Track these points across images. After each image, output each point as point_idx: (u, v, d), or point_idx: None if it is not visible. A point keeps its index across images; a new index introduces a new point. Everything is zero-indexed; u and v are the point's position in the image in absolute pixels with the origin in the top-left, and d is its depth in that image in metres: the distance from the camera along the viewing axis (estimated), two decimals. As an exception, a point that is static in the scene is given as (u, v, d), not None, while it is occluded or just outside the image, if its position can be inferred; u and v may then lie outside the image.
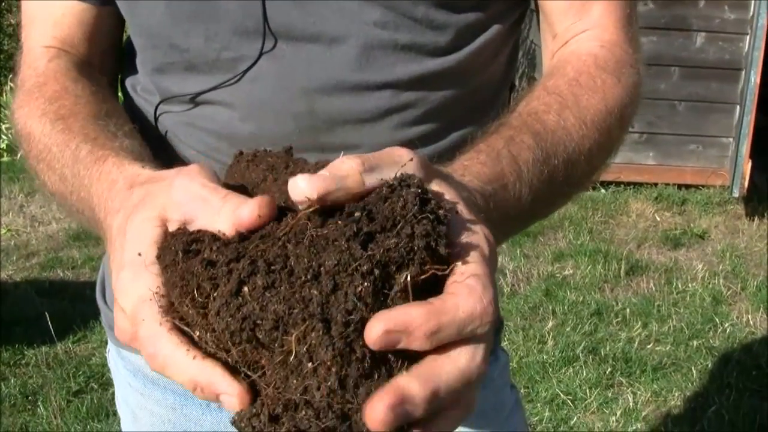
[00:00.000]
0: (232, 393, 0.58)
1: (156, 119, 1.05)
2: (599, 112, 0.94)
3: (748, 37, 5.69)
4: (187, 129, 1.03)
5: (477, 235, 0.62)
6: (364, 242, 0.56)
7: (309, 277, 0.55)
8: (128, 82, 1.10)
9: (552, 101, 0.93)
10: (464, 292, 0.58)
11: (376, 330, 0.54)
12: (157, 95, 1.03)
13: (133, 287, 0.63)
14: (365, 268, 0.55)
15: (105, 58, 1.09)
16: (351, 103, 0.97)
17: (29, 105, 0.98)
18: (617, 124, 0.97)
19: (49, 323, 3.68)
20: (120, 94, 1.14)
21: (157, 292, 0.61)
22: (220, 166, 1.01)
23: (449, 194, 0.65)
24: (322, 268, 0.55)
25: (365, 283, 0.55)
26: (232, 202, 0.63)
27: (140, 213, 0.67)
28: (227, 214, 0.62)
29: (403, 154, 0.65)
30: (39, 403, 3.33)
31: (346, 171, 0.60)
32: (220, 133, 1.01)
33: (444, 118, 1.02)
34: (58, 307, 3.96)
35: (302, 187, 0.58)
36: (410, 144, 1.00)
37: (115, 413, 3.20)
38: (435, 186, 0.65)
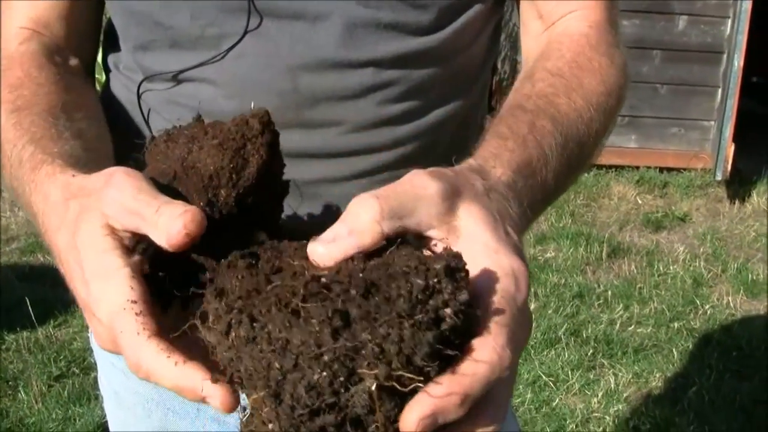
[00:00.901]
0: (215, 397, 0.58)
1: (138, 97, 1.04)
2: (601, 94, 0.95)
3: (729, 21, 5.70)
4: (170, 107, 1.02)
5: (499, 272, 0.62)
6: (339, 328, 0.54)
7: (278, 347, 0.54)
8: (110, 60, 1.09)
9: (558, 83, 0.93)
10: (480, 347, 0.57)
11: (412, 422, 0.54)
12: (140, 73, 1.03)
13: (105, 298, 0.63)
14: (326, 358, 0.53)
15: (82, 39, 1.08)
16: (334, 80, 0.97)
17: None
18: (615, 104, 0.98)
19: (30, 308, 3.66)
20: (99, 76, 1.13)
21: (130, 300, 0.62)
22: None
23: (479, 214, 0.65)
24: (289, 344, 0.54)
25: (323, 373, 0.53)
26: (165, 216, 0.63)
27: (84, 226, 0.67)
28: (162, 232, 0.63)
29: (426, 186, 0.65)
30: (20, 388, 3.31)
31: (364, 225, 0.61)
32: (203, 110, 1.00)
33: (426, 96, 1.02)
34: (38, 292, 3.94)
35: (322, 255, 0.60)
36: (394, 120, 1.00)
37: (96, 397, 3.20)
38: (464, 208, 0.65)
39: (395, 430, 0.55)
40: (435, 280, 0.56)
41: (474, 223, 0.65)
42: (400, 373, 0.53)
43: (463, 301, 0.56)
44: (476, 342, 0.58)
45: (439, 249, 0.64)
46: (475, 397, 0.56)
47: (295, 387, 0.54)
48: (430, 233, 0.65)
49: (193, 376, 0.59)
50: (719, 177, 5.48)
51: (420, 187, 0.65)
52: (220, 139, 0.73)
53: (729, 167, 5.50)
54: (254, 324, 0.56)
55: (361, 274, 0.57)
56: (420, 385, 0.54)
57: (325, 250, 0.60)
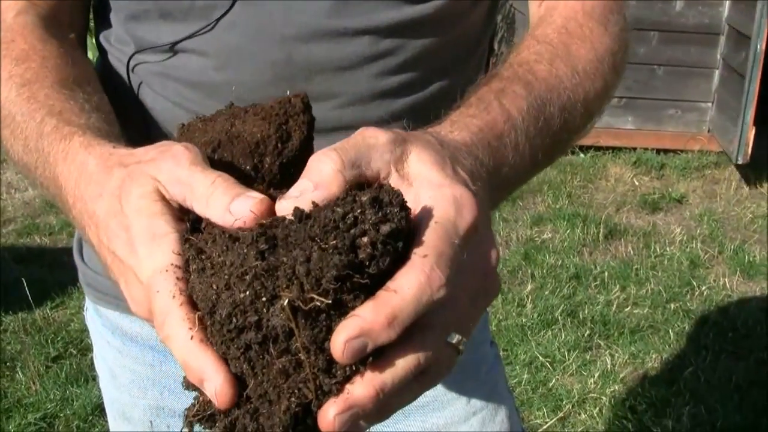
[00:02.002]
0: (212, 382, 0.58)
1: (131, 70, 1.03)
2: (590, 61, 0.94)
3: (727, 2, 5.68)
4: (162, 79, 1.01)
5: (440, 201, 0.62)
6: (264, 251, 0.56)
7: (216, 270, 0.58)
8: (102, 34, 1.08)
9: (542, 50, 0.92)
10: (405, 270, 0.57)
11: (338, 344, 0.54)
12: (132, 45, 1.02)
13: (150, 259, 0.63)
14: (248, 277, 0.56)
15: (74, 12, 1.06)
16: (329, 50, 0.96)
17: None
18: (609, 70, 0.96)
19: (27, 289, 3.66)
20: (91, 53, 1.12)
21: (174, 263, 0.62)
22: (194, 117, 1.00)
23: (428, 158, 0.65)
24: (223, 266, 0.58)
25: (246, 292, 0.55)
26: (220, 189, 0.63)
27: (135, 191, 0.67)
28: (217, 206, 0.62)
29: (377, 136, 0.65)
30: (17, 369, 3.32)
31: (328, 177, 0.61)
32: (194, 82, 0.99)
33: (424, 67, 1.01)
34: (35, 274, 3.94)
35: (290, 209, 0.59)
36: (390, 93, 0.99)
37: (94, 378, 3.20)
38: (414, 153, 0.65)
39: (325, 360, 0.56)
40: (359, 210, 0.57)
41: (422, 165, 0.65)
42: (311, 295, 0.54)
43: (385, 233, 0.56)
44: (404, 266, 0.58)
45: None
46: (404, 319, 0.56)
47: (224, 303, 0.56)
48: (387, 181, 0.65)
49: (202, 356, 0.58)
50: (740, 161, 5.42)
51: (371, 137, 0.65)
52: (263, 114, 0.74)
53: (749, 151, 5.44)
54: (201, 254, 0.59)
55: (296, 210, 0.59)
56: (331, 312, 0.56)
57: (294, 205, 0.59)
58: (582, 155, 5.74)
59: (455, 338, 0.61)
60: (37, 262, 4.14)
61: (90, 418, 3.04)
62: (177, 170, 0.66)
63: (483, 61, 1.15)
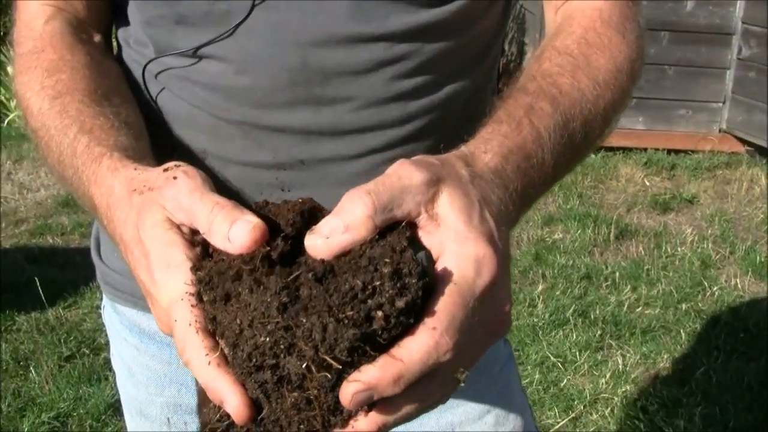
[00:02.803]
0: (232, 404, 0.63)
1: (150, 73, 1.04)
2: (609, 71, 0.95)
3: (738, 2, 5.67)
4: (181, 83, 1.02)
5: (461, 260, 0.66)
6: (286, 303, 0.60)
7: (241, 306, 0.63)
8: (120, 34, 1.09)
9: (564, 62, 0.93)
10: (416, 336, 0.62)
11: (347, 395, 0.60)
12: (151, 48, 1.03)
13: (166, 287, 0.68)
14: (269, 327, 0.60)
15: (100, 12, 1.08)
16: (344, 56, 0.97)
17: (28, 74, 0.97)
18: (627, 80, 0.97)
19: (39, 289, 3.68)
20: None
21: (188, 292, 0.66)
22: (212, 120, 1.01)
23: (458, 203, 0.68)
24: (248, 306, 0.62)
25: (266, 338, 0.61)
26: (220, 216, 0.68)
27: (149, 220, 0.72)
28: (218, 234, 0.67)
29: (411, 176, 0.68)
30: (31, 368, 3.34)
31: (358, 221, 0.64)
32: (214, 86, 1.00)
33: (438, 70, 1.02)
34: (48, 274, 3.96)
35: (320, 249, 0.64)
36: (406, 95, 1.00)
37: (107, 377, 3.22)
38: (446, 195, 0.68)
39: (334, 398, 0.62)
40: (378, 282, 0.61)
41: (450, 210, 0.68)
42: (324, 357, 0.59)
43: (400, 308, 0.61)
44: (416, 330, 0.62)
45: (424, 236, 0.68)
46: (410, 378, 0.61)
47: (246, 342, 0.61)
48: (417, 220, 0.68)
49: (220, 381, 0.63)
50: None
51: (406, 177, 0.68)
52: None
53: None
54: (214, 283, 0.64)
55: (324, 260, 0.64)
56: (341, 369, 0.61)
57: (324, 245, 0.64)
58: (593, 155, 5.74)
59: (461, 375, 0.66)
60: (50, 262, 4.16)
61: (103, 417, 3.05)
62: (179, 198, 0.71)
63: (496, 62, 1.15)
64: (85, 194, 0.86)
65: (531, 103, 0.86)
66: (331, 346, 0.59)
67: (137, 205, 0.74)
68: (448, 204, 0.68)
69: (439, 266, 0.65)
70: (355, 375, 0.61)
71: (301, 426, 0.63)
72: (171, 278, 0.68)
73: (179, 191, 0.71)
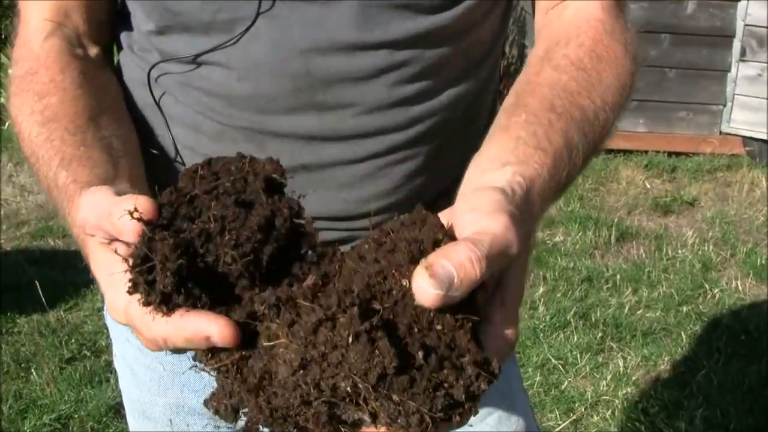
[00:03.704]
0: (216, 329, 0.63)
1: (153, 78, 1.05)
2: (616, 91, 0.96)
3: (739, 4, 5.68)
4: (184, 89, 1.03)
5: (504, 344, 0.68)
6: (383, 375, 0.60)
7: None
8: (124, 39, 1.09)
9: (580, 78, 0.93)
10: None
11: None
12: (154, 53, 1.03)
13: (115, 302, 0.70)
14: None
15: (101, 26, 1.08)
16: (347, 63, 0.97)
17: (21, 96, 0.99)
18: (627, 96, 0.99)
19: (40, 291, 3.68)
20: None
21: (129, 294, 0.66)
22: (217, 126, 1.02)
23: (517, 286, 0.72)
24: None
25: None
26: (107, 207, 0.69)
27: (92, 256, 0.77)
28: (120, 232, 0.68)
29: (515, 246, 0.68)
30: (32, 370, 3.34)
31: (470, 284, 0.63)
32: (217, 93, 1.01)
33: (439, 75, 1.02)
34: (49, 276, 3.96)
35: (431, 300, 0.62)
36: (408, 101, 1.01)
37: (108, 379, 3.22)
38: (511, 275, 0.71)
39: None
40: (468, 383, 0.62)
41: (510, 294, 0.71)
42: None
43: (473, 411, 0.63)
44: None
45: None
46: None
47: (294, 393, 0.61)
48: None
49: (197, 319, 0.64)
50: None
51: (512, 248, 0.68)
52: None
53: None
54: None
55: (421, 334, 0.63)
56: None
57: (436, 299, 0.62)
58: (593, 158, 5.74)
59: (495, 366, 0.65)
60: (51, 264, 4.16)
61: (104, 419, 3.05)
62: (87, 217, 0.74)
63: (498, 65, 1.15)
64: (70, 224, 0.88)
65: (566, 131, 0.87)
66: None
67: (86, 245, 0.79)
68: (509, 285, 0.71)
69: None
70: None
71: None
72: (116, 293, 0.69)
73: (85, 210, 0.74)
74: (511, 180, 0.77)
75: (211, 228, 0.65)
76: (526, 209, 0.75)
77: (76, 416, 3.08)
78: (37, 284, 3.70)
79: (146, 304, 0.64)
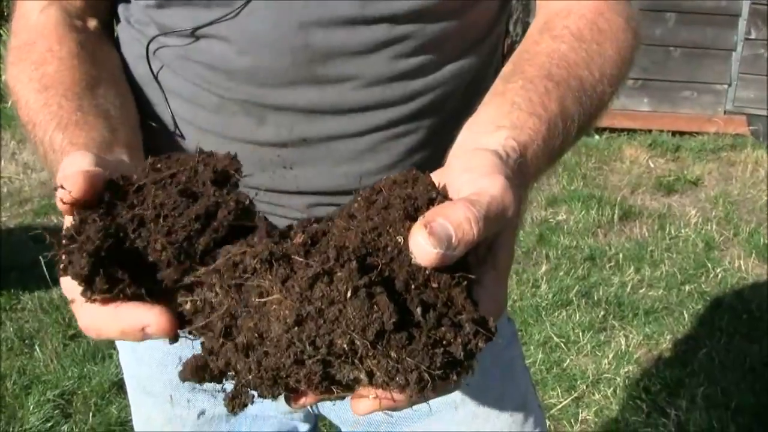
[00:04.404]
0: (153, 316, 0.63)
1: (152, 52, 1.05)
2: (616, 65, 0.96)
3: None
4: (183, 62, 1.03)
5: (492, 306, 0.68)
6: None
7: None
8: (122, 12, 1.09)
9: (579, 49, 0.93)
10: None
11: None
12: (152, 27, 1.03)
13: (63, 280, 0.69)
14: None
15: (100, 1, 1.08)
16: (347, 37, 0.97)
17: (18, 66, 0.99)
18: (626, 71, 0.99)
19: (44, 269, 3.69)
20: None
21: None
22: (216, 99, 1.01)
23: (507, 253, 0.72)
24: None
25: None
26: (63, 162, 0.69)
27: None
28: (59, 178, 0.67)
29: (509, 209, 0.68)
30: (36, 346, 3.35)
31: (467, 246, 0.63)
32: (216, 66, 1.00)
33: (439, 50, 1.02)
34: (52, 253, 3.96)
35: (429, 259, 0.61)
36: (408, 75, 1.00)
37: (111, 356, 3.23)
38: (504, 239, 0.71)
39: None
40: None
41: (502, 257, 0.71)
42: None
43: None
44: None
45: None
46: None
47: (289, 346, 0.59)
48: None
49: (133, 309, 0.63)
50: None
51: (506, 210, 0.68)
52: None
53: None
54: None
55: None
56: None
57: (435, 258, 0.62)
58: (597, 137, 5.73)
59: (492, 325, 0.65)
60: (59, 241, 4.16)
61: (107, 395, 3.07)
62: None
63: (500, 42, 1.15)
64: None
65: (562, 100, 0.87)
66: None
67: None
68: (501, 249, 0.71)
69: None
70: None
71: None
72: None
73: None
74: (504, 144, 0.77)
75: (146, 215, 0.64)
76: (520, 174, 0.75)
77: (79, 392, 3.10)
78: (41, 261, 3.71)
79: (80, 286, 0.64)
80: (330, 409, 1.20)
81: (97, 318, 0.65)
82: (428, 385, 0.60)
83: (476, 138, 0.78)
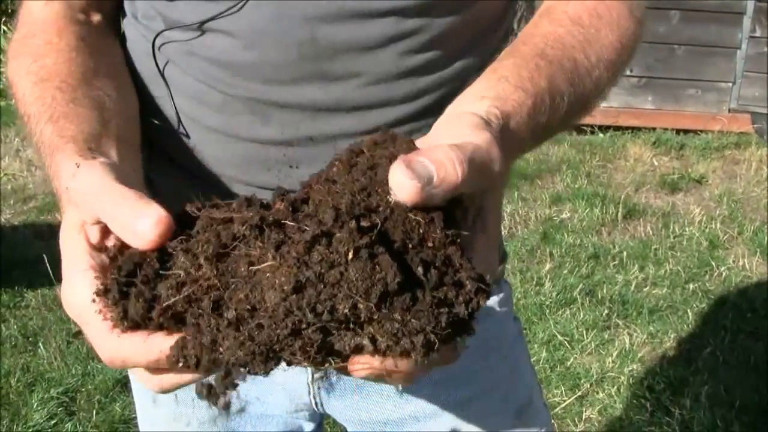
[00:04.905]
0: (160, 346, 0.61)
1: (157, 47, 1.04)
2: (614, 50, 0.96)
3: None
4: (188, 58, 1.02)
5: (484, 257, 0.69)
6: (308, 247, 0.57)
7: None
8: (128, 7, 1.08)
9: (576, 33, 0.93)
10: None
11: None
12: (158, 20, 1.02)
13: (72, 297, 0.67)
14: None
15: None
16: (354, 31, 0.96)
17: (18, 59, 0.98)
18: (626, 58, 0.99)
19: (48, 266, 3.69)
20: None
21: (91, 300, 0.65)
22: (220, 96, 1.01)
23: (493, 212, 0.72)
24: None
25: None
26: (124, 208, 0.66)
27: (64, 224, 0.72)
28: (123, 227, 0.65)
29: (497, 162, 0.69)
30: (39, 344, 3.35)
31: (451, 184, 0.63)
32: (222, 61, 1.00)
33: (447, 46, 1.01)
34: (56, 250, 3.93)
35: (409, 194, 0.61)
36: (415, 71, 1.00)
37: (115, 354, 3.23)
38: (491, 196, 0.71)
39: None
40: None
41: (491, 221, 0.71)
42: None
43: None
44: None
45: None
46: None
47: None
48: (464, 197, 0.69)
49: (162, 341, 0.62)
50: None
51: (495, 162, 0.69)
52: None
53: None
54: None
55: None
56: None
57: (415, 193, 0.61)
58: (601, 135, 5.72)
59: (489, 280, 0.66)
60: (58, 239, 4.15)
61: (111, 393, 3.07)
62: (83, 194, 0.70)
63: (506, 39, 1.14)
64: (55, 185, 0.87)
65: (552, 77, 0.87)
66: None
67: (65, 204, 0.75)
68: (489, 211, 0.71)
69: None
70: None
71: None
72: (75, 288, 0.67)
73: (83, 186, 0.71)
74: (487, 111, 0.77)
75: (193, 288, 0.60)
76: (503, 139, 0.75)
77: (83, 390, 3.10)
78: (45, 258, 3.71)
79: (106, 313, 0.62)
80: (335, 409, 1.19)
81: (126, 349, 0.63)
82: (434, 347, 0.57)
83: (460, 106, 0.79)
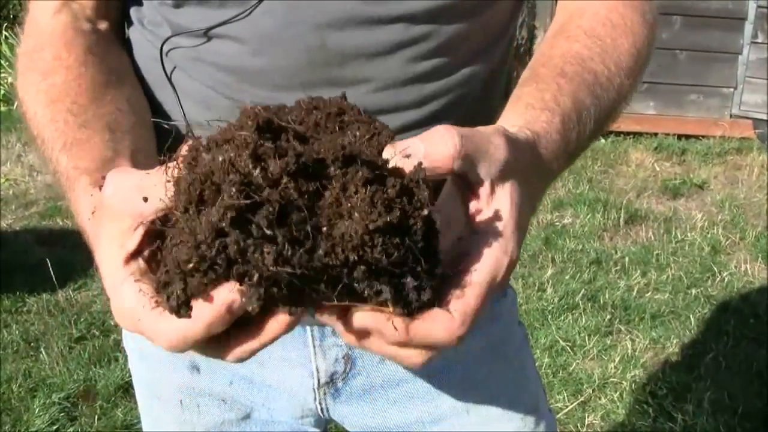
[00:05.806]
0: (237, 293, 0.62)
1: (164, 53, 1.04)
2: (631, 57, 0.97)
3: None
4: (196, 64, 1.02)
5: (491, 261, 0.69)
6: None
7: None
8: (134, 13, 1.08)
9: (593, 46, 0.95)
10: (438, 318, 0.65)
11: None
12: (165, 27, 1.02)
13: (120, 310, 0.68)
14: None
15: (110, 2, 1.07)
16: (363, 37, 0.96)
17: (27, 75, 0.99)
18: (643, 64, 1.00)
19: (50, 271, 3.69)
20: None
21: (140, 305, 0.66)
22: (228, 102, 1.01)
23: (515, 198, 0.72)
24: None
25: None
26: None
27: (101, 242, 0.72)
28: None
29: (499, 148, 0.70)
30: (41, 349, 3.35)
31: (441, 157, 0.66)
32: (230, 67, 1.00)
33: (455, 52, 1.01)
34: (58, 256, 3.97)
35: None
36: (423, 78, 1.00)
37: (117, 359, 3.23)
38: (509, 185, 0.72)
39: None
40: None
41: (507, 204, 0.71)
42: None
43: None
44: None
45: (473, 203, 0.71)
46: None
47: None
48: (478, 188, 0.71)
49: (219, 293, 0.62)
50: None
51: (496, 146, 0.70)
52: None
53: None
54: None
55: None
56: None
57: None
58: (603, 140, 5.72)
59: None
60: (60, 244, 4.17)
61: (113, 398, 3.07)
62: (119, 189, 0.70)
63: (511, 46, 1.14)
64: (73, 209, 0.88)
65: (575, 94, 0.89)
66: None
67: (94, 229, 0.76)
68: (507, 196, 0.72)
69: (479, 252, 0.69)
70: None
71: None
72: (121, 301, 0.68)
73: (115, 185, 0.70)
74: (517, 130, 0.80)
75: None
76: (531, 155, 0.78)
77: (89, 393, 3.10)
78: (47, 263, 3.72)
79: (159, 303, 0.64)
80: (341, 414, 1.19)
81: (180, 324, 0.64)
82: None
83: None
